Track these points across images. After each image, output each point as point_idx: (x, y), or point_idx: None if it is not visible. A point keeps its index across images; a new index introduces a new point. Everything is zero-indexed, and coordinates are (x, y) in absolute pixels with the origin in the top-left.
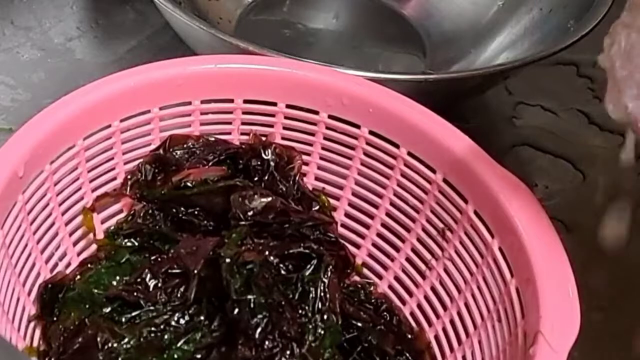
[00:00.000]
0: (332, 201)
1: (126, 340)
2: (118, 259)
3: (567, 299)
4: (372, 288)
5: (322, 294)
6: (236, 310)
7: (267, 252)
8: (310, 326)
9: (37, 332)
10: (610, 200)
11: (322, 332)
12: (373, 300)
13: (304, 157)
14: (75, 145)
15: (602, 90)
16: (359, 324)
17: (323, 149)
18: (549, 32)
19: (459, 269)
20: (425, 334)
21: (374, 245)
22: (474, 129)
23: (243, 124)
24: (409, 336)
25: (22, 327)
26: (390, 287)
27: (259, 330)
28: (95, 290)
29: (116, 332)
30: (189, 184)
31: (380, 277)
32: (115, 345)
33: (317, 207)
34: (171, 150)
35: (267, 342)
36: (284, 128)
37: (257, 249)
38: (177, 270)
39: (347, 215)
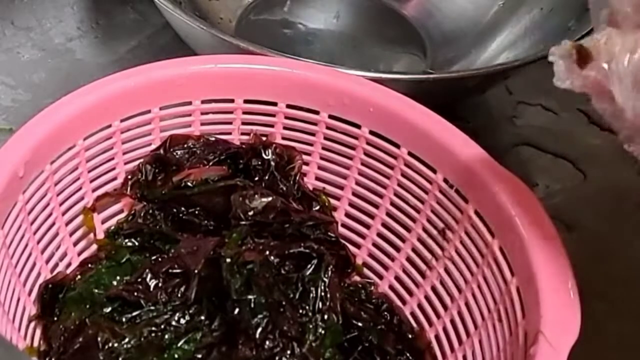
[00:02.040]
0: (332, 201)
1: (127, 340)
2: (118, 259)
3: (567, 298)
4: (372, 288)
5: (322, 293)
6: (237, 310)
7: (267, 252)
8: (311, 326)
9: (38, 332)
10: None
11: (323, 331)
12: (374, 300)
13: (305, 157)
14: (75, 145)
15: None
16: (360, 324)
17: (323, 148)
18: (550, 32)
19: (460, 269)
20: (426, 333)
21: (375, 245)
22: (474, 129)
23: (243, 123)
24: (410, 336)
25: (22, 327)
26: (391, 286)
27: (259, 330)
28: (96, 290)
29: (117, 332)
30: (189, 183)
31: (380, 276)
32: (115, 345)
33: (317, 207)
34: (171, 150)
35: (267, 342)
36: (285, 128)
37: (257, 248)
38: (178, 270)
39: (348, 215)
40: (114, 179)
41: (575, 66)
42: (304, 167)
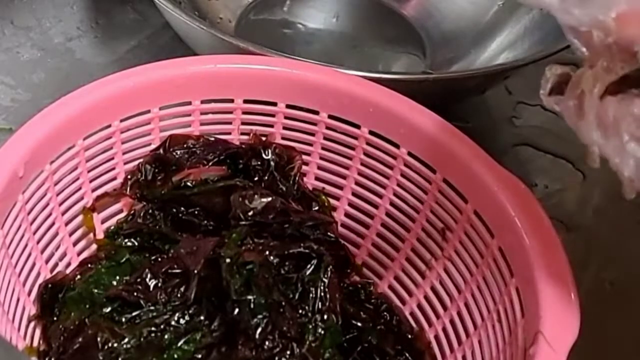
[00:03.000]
0: (332, 201)
1: (126, 340)
2: (118, 259)
3: (567, 299)
4: (372, 288)
5: (322, 294)
6: (236, 311)
7: (267, 252)
8: (311, 326)
9: (37, 332)
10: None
11: (322, 332)
12: (373, 300)
13: (304, 157)
14: (75, 145)
15: None
16: (359, 324)
17: (323, 148)
18: (549, 32)
19: (459, 269)
20: (425, 334)
21: (374, 245)
22: (474, 129)
23: (243, 123)
24: (409, 336)
25: (22, 327)
26: (390, 287)
27: (259, 330)
28: (96, 290)
29: (116, 332)
30: (189, 183)
31: (380, 277)
32: (115, 345)
33: (317, 207)
34: (171, 150)
35: (267, 342)
36: (284, 128)
37: (257, 249)
38: (177, 270)
39: (347, 215)
40: (114, 178)
41: (547, 89)
42: (304, 167)
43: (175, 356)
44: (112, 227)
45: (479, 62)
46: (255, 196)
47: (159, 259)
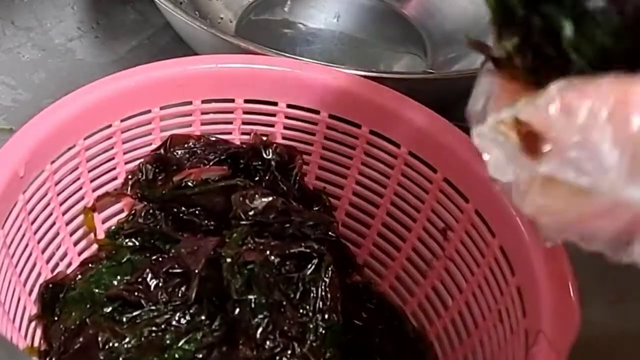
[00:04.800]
0: (333, 200)
1: (127, 339)
2: (119, 259)
3: (567, 298)
4: (373, 287)
5: (323, 293)
6: (237, 310)
7: (268, 252)
8: (312, 326)
9: (38, 332)
10: None
11: (323, 331)
12: (374, 300)
13: (305, 157)
14: (76, 145)
15: None
16: (360, 324)
17: (324, 148)
18: None
19: (460, 269)
20: (427, 333)
21: (375, 244)
22: None
23: (244, 123)
24: (411, 336)
25: (23, 327)
26: (392, 286)
27: (260, 330)
28: (96, 290)
29: (117, 332)
30: (189, 183)
31: (381, 276)
32: (116, 344)
33: (318, 207)
34: (172, 150)
35: (268, 342)
36: (285, 128)
37: (258, 248)
38: (178, 270)
39: (348, 214)
40: (115, 178)
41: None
42: (305, 167)
43: (176, 356)
44: (113, 227)
45: (480, 62)
46: (256, 196)
47: (160, 259)
